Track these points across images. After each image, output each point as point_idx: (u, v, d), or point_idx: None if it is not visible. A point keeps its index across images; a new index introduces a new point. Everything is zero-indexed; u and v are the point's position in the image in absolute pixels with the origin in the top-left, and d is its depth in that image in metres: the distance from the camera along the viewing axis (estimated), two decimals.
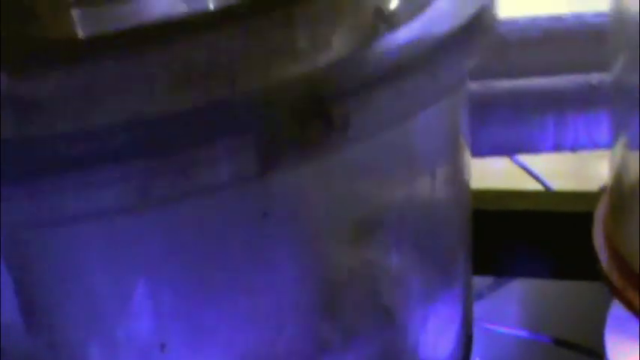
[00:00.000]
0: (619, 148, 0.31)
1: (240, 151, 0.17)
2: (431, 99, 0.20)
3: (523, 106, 0.40)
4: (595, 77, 0.40)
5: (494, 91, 0.40)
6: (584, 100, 0.39)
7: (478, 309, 0.35)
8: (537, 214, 0.41)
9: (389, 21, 0.19)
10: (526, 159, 0.49)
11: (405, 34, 0.19)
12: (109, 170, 0.17)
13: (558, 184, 0.50)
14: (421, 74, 0.19)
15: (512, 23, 0.44)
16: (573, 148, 0.40)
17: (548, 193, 0.47)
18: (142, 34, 0.17)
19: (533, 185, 0.50)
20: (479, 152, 0.40)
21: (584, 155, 0.42)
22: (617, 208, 0.31)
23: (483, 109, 0.40)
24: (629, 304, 0.28)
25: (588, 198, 0.38)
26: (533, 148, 0.40)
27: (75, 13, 0.18)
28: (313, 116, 0.18)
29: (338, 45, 0.19)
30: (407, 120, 0.20)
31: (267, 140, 0.18)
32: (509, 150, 0.42)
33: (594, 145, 0.40)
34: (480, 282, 0.45)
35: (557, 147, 0.40)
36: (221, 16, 0.18)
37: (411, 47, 0.19)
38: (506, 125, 0.40)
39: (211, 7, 0.19)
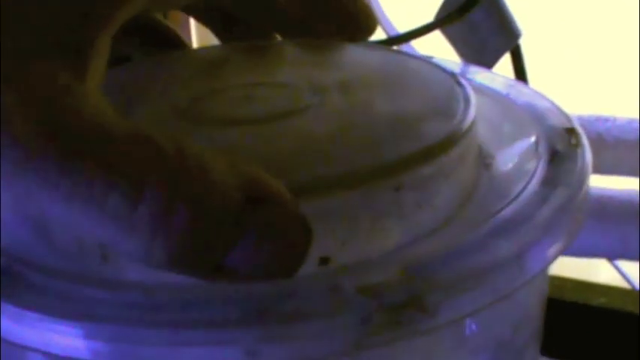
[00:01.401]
0: None
1: (336, 331, 0.20)
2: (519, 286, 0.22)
3: (606, 214, 0.41)
4: None
5: None
6: None
7: None
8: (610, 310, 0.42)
9: None
10: None
11: None
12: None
13: None
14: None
15: (611, 121, 0.45)
16: None
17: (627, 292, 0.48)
18: None
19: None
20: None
21: None
22: None
23: None
24: None
25: None
26: (610, 255, 0.42)
27: None
28: (406, 303, 0.20)
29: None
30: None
31: (362, 322, 0.20)
32: (588, 254, 0.43)
33: None
34: None
35: (633, 257, 0.41)
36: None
37: None
38: (588, 230, 0.42)
39: None
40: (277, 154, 0.22)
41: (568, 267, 0.44)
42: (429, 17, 0.42)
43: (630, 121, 0.44)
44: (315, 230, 0.19)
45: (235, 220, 0.18)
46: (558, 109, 0.28)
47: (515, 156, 0.26)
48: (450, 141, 0.22)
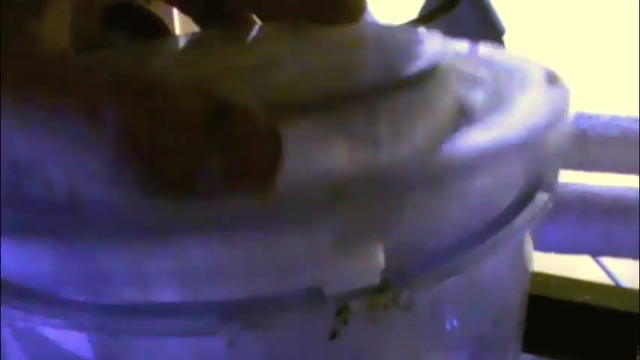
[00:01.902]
0: None
1: (312, 322, 0.20)
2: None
3: (590, 211, 0.41)
4: None
5: (566, 192, 0.42)
6: None
7: None
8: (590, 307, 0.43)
9: None
10: None
11: None
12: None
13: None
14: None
15: (595, 118, 0.45)
16: (635, 257, 0.42)
17: (611, 289, 0.48)
18: None
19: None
20: (542, 248, 0.42)
21: None
22: None
23: (555, 209, 0.41)
24: None
25: None
26: (594, 252, 0.42)
27: None
28: (378, 294, 0.20)
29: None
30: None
31: (338, 311, 0.20)
32: (571, 250, 0.43)
33: None
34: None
35: (617, 254, 0.41)
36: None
37: None
38: (572, 227, 0.42)
39: None
40: (253, 90, 0.21)
41: (552, 264, 0.44)
42: (413, 14, 0.42)
43: (614, 118, 0.44)
44: (290, 153, 0.19)
45: (200, 134, 0.18)
46: None
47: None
48: (425, 76, 0.22)
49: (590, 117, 0.44)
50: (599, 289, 0.44)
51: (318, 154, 0.21)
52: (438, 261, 0.21)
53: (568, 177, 0.44)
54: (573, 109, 0.43)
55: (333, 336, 0.20)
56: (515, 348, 0.28)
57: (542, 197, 0.24)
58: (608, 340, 0.42)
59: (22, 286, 0.20)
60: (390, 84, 0.22)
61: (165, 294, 0.22)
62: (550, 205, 0.24)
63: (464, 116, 0.25)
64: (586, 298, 0.43)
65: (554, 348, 0.45)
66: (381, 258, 0.23)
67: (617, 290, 0.47)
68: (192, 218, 0.18)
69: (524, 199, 0.24)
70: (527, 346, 0.43)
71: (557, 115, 0.23)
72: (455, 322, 0.23)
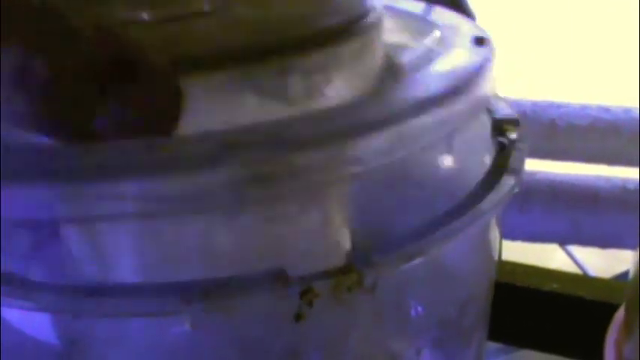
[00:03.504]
0: None
1: (276, 303, 0.20)
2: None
3: (558, 200, 0.42)
4: (632, 182, 0.42)
5: (534, 180, 0.42)
6: (618, 201, 0.41)
7: None
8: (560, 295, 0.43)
9: None
10: None
11: None
12: None
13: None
14: None
15: (564, 107, 0.45)
16: (602, 246, 0.42)
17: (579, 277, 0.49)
18: None
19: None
20: (511, 237, 0.42)
21: None
22: (631, 319, 0.31)
23: (522, 197, 0.42)
24: None
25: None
26: (562, 241, 0.42)
27: None
28: (342, 276, 0.20)
29: None
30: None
31: (302, 293, 0.20)
32: (540, 239, 0.44)
33: (623, 246, 0.42)
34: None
35: (586, 242, 0.42)
36: None
37: None
38: (541, 216, 0.42)
39: None
40: (164, 41, 0.21)
41: (520, 252, 0.45)
42: None
43: (583, 107, 0.44)
44: (201, 107, 0.19)
45: (99, 78, 0.18)
46: None
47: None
48: (344, 32, 0.22)
49: (559, 106, 0.44)
50: (568, 277, 0.44)
51: (225, 110, 0.21)
52: (402, 243, 0.21)
53: (537, 166, 0.45)
54: (544, 99, 0.43)
55: (298, 318, 0.20)
56: (481, 335, 0.28)
57: (507, 181, 0.24)
58: (576, 329, 0.42)
59: None
60: (307, 39, 0.22)
61: (127, 274, 0.22)
62: (516, 190, 0.24)
63: (390, 73, 0.25)
64: (554, 286, 0.43)
65: (521, 336, 0.45)
66: (346, 240, 0.23)
67: (584, 279, 0.47)
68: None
69: (489, 184, 0.24)
70: (495, 335, 0.43)
71: (477, 73, 0.23)
72: (419, 306, 0.23)
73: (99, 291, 0.19)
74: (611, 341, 0.31)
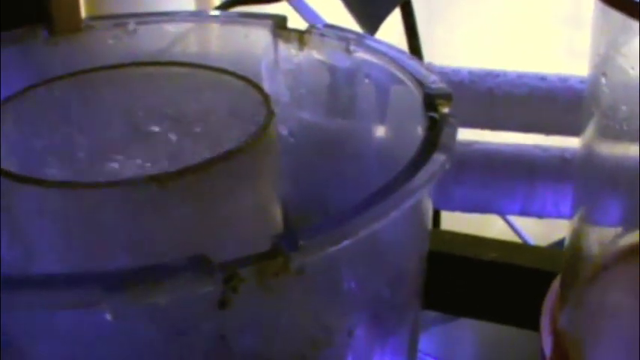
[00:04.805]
0: (575, 222, 0.30)
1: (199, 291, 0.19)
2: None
3: (495, 170, 0.42)
4: (569, 151, 0.42)
5: (470, 151, 0.42)
6: (556, 171, 0.41)
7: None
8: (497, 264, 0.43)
9: None
10: None
11: None
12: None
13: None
14: None
15: (502, 76, 0.45)
16: (540, 215, 0.42)
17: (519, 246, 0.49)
18: None
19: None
20: (449, 207, 0.42)
21: None
22: (566, 288, 0.32)
23: (458, 167, 0.42)
24: None
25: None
26: (500, 211, 0.42)
27: None
28: (270, 261, 0.20)
29: None
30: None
31: (226, 279, 0.19)
32: (478, 209, 0.44)
33: (560, 215, 0.42)
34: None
35: (523, 212, 0.42)
36: None
37: None
38: (477, 187, 0.42)
39: None
40: None
41: (460, 221, 0.45)
42: None
43: (520, 76, 0.44)
44: None
45: None
46: None
47: None
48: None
49: (497, 75, 0.44)
50: (506, 246, 0.44)
51: None
52: (330, 225, 0.21)
53: (474, 135, 0.45)
54: (481, 67, 0.43)
55: (223, 304, 0.20)
56: (415, 309, 0.28)
57: (438, 158, 0.24)
58: (515, 298, 0.43)
59: None
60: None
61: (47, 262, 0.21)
62: (447, 166, 0.24)
63: None
64: (493, 255, 0.43)
65: (461, 305, 0.45)
66: (274, 224, 0.22)
67: (523, 247, 0.48)
68: None
69: (420, 161, 0.24)
70: (434, 304, 0.44)
71: None
72: (350, 286, 0.23)
73: (18, 283, 0.19)
74: (548, 310, 0.32)
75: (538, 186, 0.41)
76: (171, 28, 0.34)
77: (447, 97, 0.27)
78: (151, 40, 0.34)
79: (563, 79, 0.44)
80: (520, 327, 0.44)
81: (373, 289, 0.24)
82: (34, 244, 0.24)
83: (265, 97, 0.27)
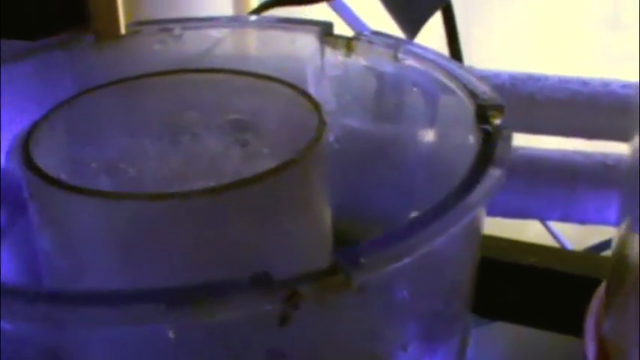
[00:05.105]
0: (623, 230, 0.30)
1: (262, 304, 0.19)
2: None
3: (537, 176, 0.41)
4: (612, 158, 0.42)
5: (513, 157, 0.42)
6: (598, 177, 0.41)
7: None
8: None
9: None
10: None
11: None
12: None
13: None
14: None
15: (543, 80, 0.45)
16: (581, 221, 0.42)
17: (557, 251, 0.48)
18: None
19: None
20: (490, 213, 0.42)
21: None
22: (611, 296, 0.31)
23: None
24: None
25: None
26: (541, 217, 0.42)
27: None
28: (331, 278, 0.20)
29: None
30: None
31: (287, 297, 0.19)
32: (519, 215, 0.43)
33: (603, 222, 0.41)
34: None
35: (564, 218, 0.41)
36: None
37: None
38: (520, 192, 0.42)
39: None
40: None
41: (498, 225, 0.44)
42: None
43: (562, 80, 0.44)
44: None
45: None
46: None
47: None
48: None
49: (538, 79, 0.44)
50: (546, 251, 0.44)
51: None
52: (390, 242, 0.21)
53: (515, 140, 0.44)
54: (522, 71, 0.42)
55: (283, 321, 0.19)
56: (466, 320, 0.28)
57: (494, 173, 0.23)
58: (554, 303, 0.42)
59: None
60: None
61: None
62: (503, 181, 0.24)
63: None
64: (532, 260, 0.43)
65: (499, 310, 0.45)
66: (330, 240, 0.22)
67: (563, 252, 0.47)
68: None
69: (476, 175, 0.23)
70: (475, 309, 0.43)
71: None
72: (405, 301, 0.23)
73: (79, 298, 0.19)
74: (592, 315, 0.31)
75: (580, 192, 0.41)
76: (216, 33, 0.34)
77: (499, 109, 0.27)
78: (196, 45, 0.33)
79: (606, 84, 0.44)
80: (556, 332, 0.44)
81: (428, 302, 0.24)
82: (85, 255, 0.24)
83: (316, 106, 0.27)
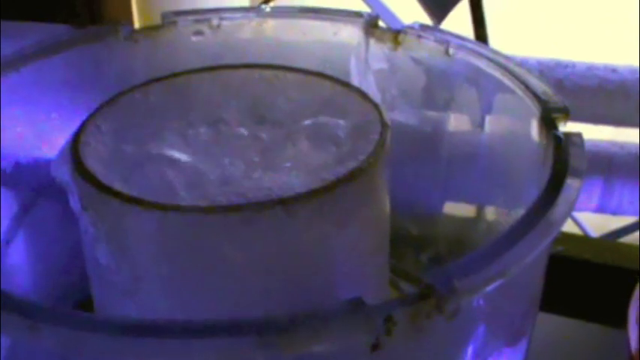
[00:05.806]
0: None
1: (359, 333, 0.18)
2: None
3: None
4: None
5: None
6: (632, 168, 0.40)
7: None
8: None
9: None
10: None
11: None
12: None
13: None
14: None
15: (571, 67, 0.44)
16: (615, 213, 0.41)
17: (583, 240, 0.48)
18: None
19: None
20: None
21: None
22: None
23: None
24: None
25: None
26: (576, 208, 0.41)
27: None
28: (425, 304, 0.19)
29: None
30: None
31: (382, 323, 0.19)
32: None
33: (637, 213, 0.41)
34: None
35: (599, 209, 0.41)
36: None
37: None
38: None
39: None
40: None
41: None
42: None
43: (590, 67, 0.43)
44: None
45: None
46: None
47: None
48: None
49: (566, 66, 0.43)
50: (572, 240, 0.43)
51: None
52: (479, 264, 0.20)
53: None
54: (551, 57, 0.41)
55: (375, 347, 0.19)
56: (534, 322, 0.27)
57: (573, 184, 0.23)
58: (582, 291, 0.42)
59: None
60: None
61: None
62: (580, 192, 0.23)
63: None
64: (559, 249, 0.42)
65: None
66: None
67: (589, 241, 0.47)
68: None
69: (554, 187, 0.23)
70: None
71: None
72: (491, 317, 0.22)
73: (165, 329, 0.18)
74: (635, 305, 0.31)
75: (615, 183, 0.40)
76: (254, 23, 0.32)
77: (564, 111, 0.26)
78: (235, 35, 0.32)
79: (634, 71, 0.43)
80: (586, 320, 0.44)
81: (508, 322, 0.23)
82: (141, 269, 0.23)
83: (375, 106, 0.26)
